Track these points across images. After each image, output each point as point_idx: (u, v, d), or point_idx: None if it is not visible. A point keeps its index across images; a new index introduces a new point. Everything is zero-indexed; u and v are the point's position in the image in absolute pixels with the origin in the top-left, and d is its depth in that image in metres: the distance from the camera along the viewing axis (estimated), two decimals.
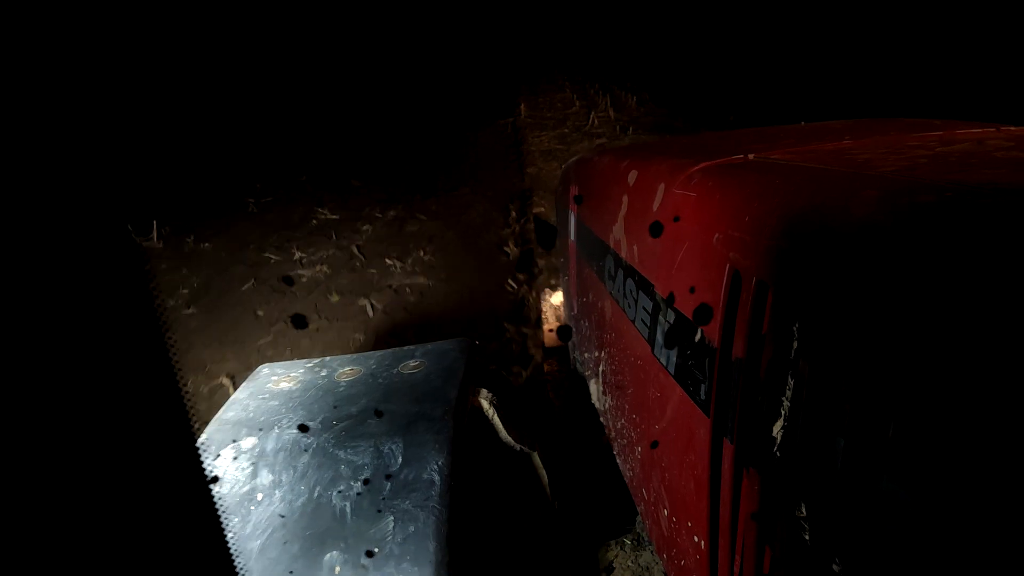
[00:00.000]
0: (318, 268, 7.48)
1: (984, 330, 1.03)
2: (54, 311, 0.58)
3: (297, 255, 7.63)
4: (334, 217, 8.51)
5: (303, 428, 2.57)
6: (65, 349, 0.58)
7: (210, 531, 0.73)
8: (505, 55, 11.53)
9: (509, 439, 3.18)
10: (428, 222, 8.28)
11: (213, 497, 0.70)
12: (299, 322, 6.56)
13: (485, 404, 3.16)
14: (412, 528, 2.25)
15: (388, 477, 2.43)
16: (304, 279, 7.32)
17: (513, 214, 8.17)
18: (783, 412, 1.33)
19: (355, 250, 7.81)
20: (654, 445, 1.98)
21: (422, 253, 7.61)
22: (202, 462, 0.68)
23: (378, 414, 2.57)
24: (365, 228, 8.25)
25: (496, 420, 3.17)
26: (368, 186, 9.19)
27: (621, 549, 3.45)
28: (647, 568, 3.31)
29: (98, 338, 0.62)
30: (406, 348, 3.50)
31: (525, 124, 10.14)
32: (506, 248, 7.53)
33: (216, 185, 9.06)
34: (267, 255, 7.61)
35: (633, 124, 9.69)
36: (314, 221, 8.48)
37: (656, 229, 1.78)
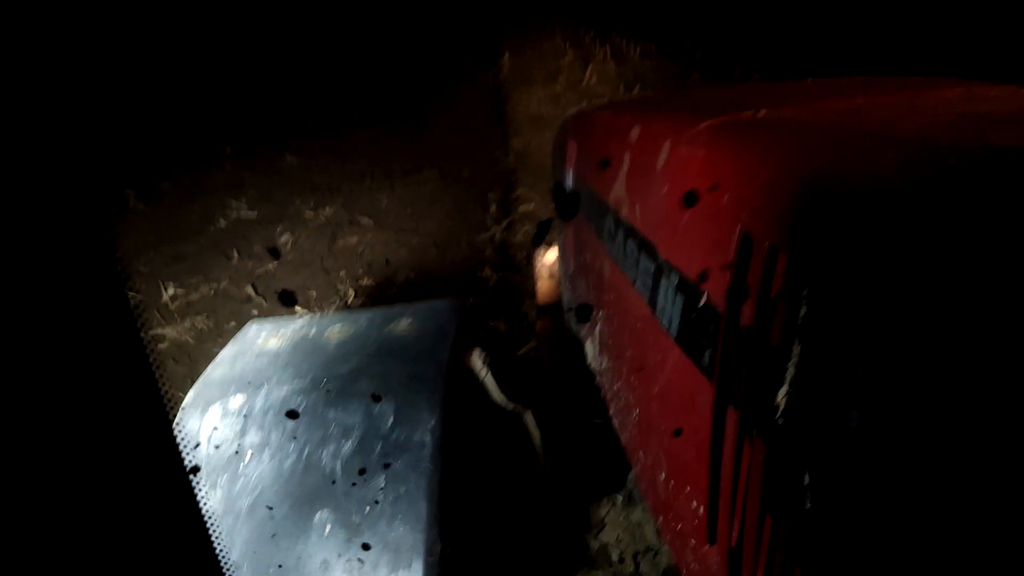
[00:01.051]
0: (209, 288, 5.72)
1: (1006, 301, 0.99)
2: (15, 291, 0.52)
3: (171, 291, 5.83)
4: (250, 215, 6.58)
5: (292, 415, 2.52)
6: (31, 329, 0.53)
7: (191, 520, 0.68)
8: None
9: (502, 399, 3.17)
10: (373, 231, 6.27)
11: (193, 488, 0.65)
12: None
13: (478, 364, 3.13)
14: (403, 488, 2.25)
15: (380, 437, 2.41)
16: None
17: (493, 209, 6.40)
18: (789, 379, 1.30)
19: (252, 292, 5.67)
20: (655, 408, 1.96)
21: (354, 291, 5.59)
22: (180, 451, 0.63)
23: (375, 399, 2.53)
24: (286, 239, 6.26)
25: (489, 380, 3.15)
26: (303, 163, 7.23)
27: (613, 506, 3.50)
28: (638, 524, 3.36)
29: (66, 317, 0.56)
30: (397, 307, 3.45)
31: (510, 79, 8.42)
32: (481, 274, 5.53)
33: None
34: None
35: (639, 81, 8.19)
36: (222, 222, 6.53)
37: (691, 199, 1.68)
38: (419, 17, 9.18)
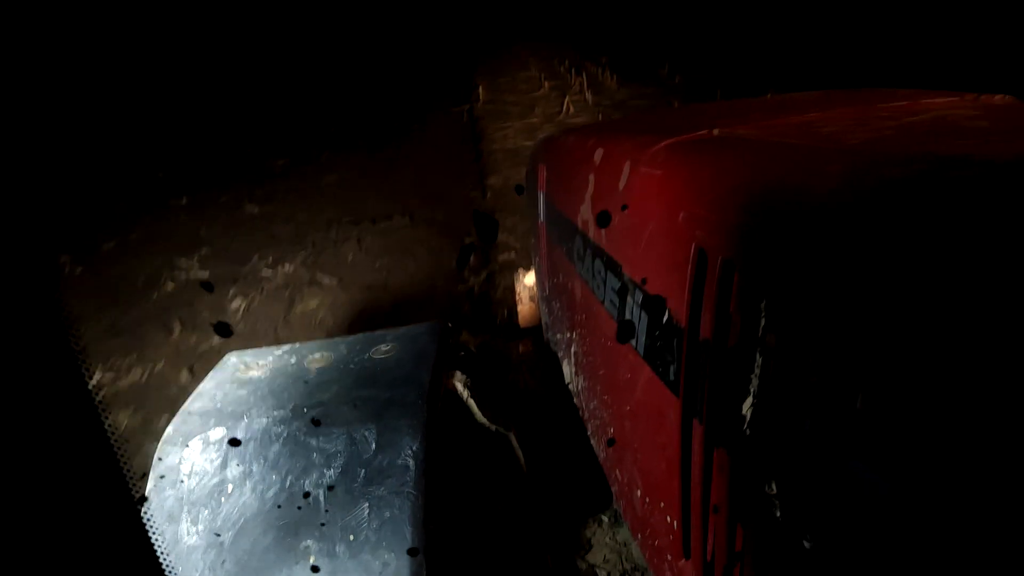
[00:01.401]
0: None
1: (951, 304, 1.02)
2: None
3: (99, 375, 5.20)
4: (201, 275, 5.99)
5: (234, 442, 2.49)
6: None
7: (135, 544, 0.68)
8: (455, 20, 9.04)
9: (485, 421, 3.16)
10: (337, 290, 5.77)
11: (140, 514, 0.65)
12: None
13: (460, 387, 3.13)
14: (387, 514, 2.23)
15: (362, 464, 2.40)
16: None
17: (471, 259, 6.02)
18: (752, 391, 1.32)
19: (188, 375, 5.17)
20: (626, 425, 1.97)
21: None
22: (128, 482, 0.64)
23: (315, 423, 2.52)
24: (238, 304, 5.72)
25: (471, 403, 3.14)
26: (265, 212, 6.56)
27: (599, 526, 3.48)
28: (625, 544, 3.34)
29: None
30: (378, 333, 3.44)
31: (484, 113, 8.01)
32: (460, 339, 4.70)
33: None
34: None
35: (619, 109, 8.00)
36: (170, 285, 5.87)
37: (604, 219, 1.74)
38: (390, 51, 8.72)
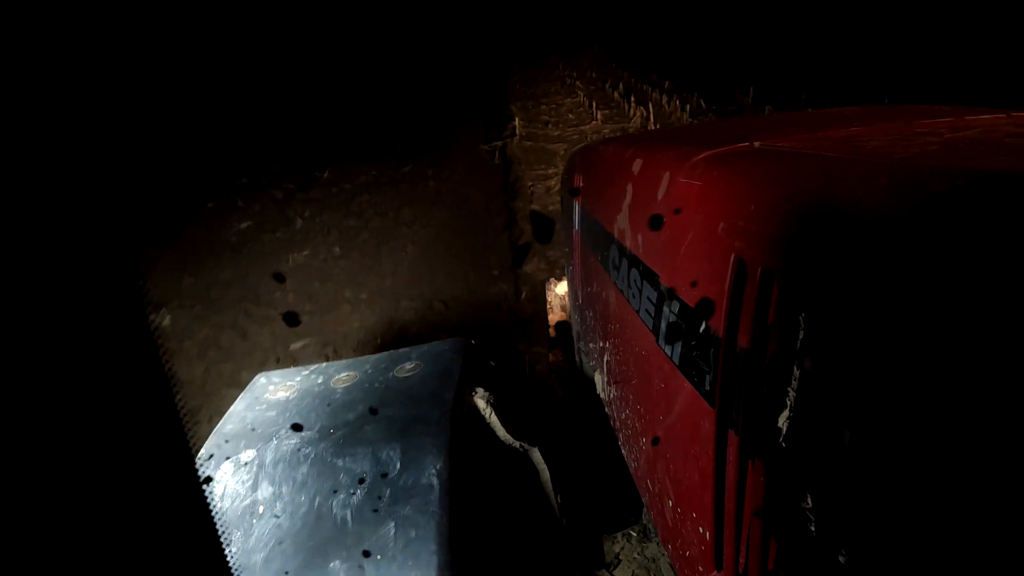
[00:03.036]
0: None
1: (994, 322, 1.01)
2: (43, 318, 0.57)
3: None
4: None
5: (297, 427, 2.57)
6: (57, 357, 0.57)
7: (207, 539, 0.72)
8: (488, 24, 8.27)
9: (508, 437, 3.16)
10: None
11: (208, 504, 0.69)
12: None
13: (482, 404, 3.14)
14: (413, 533, 2.25)
15: (387, 483, 2.43)
16: None
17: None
18: (789, 403, 1.31)
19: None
20: (656, 441, 1.97)
21: None
22: (196, 471, 0.68)
23: (372, 412, 2.57)
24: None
25: (494, 419, 3.15)
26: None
27: (627, 542, 3.45)
28: (653, 560, 3.31)
29: (89, 345, 0.61)
30: (402, 351, 3.47)
31: (519, 155, 6.11)
32: None
33: None
34: None
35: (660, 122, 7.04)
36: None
37: (656, 222, 1.75)
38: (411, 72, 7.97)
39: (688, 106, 6.96)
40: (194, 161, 7.54)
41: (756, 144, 1.83)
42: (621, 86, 7.65)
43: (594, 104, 7.40)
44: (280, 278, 5.81)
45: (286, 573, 2.20)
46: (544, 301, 5.30)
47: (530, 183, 5.96)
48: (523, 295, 5.45)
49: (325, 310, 5.48)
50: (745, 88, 7.10)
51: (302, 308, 5.56)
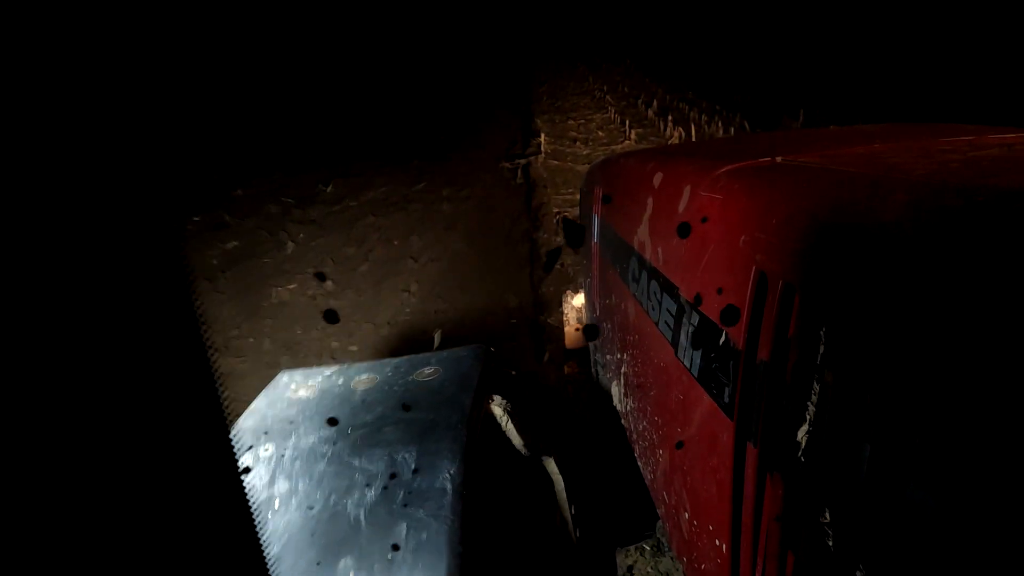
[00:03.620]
0: None
1: (1015, 338, 1.01)
2: (82, 294, 0.60)
3: None
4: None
5: (332, 421, 2.61)
6: (95, 333, 0.60)
7: (241, 522, 0.75)
8: (515, 25, 7.76)
9: (523, 446, 3.17)
10: None
11: (244, 488, 0.72)
12: None
13: (498, 411, 3.16)
14: (424, 536, 2.26)
15: (402, 484, 2.45)
16: None
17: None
18: (808, 417, 1.32)
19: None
20: (679, 445, 1.97)
21: None
22: (234, 451, 0.70)
23: (405, 408, 2.61)
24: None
25: (510, 427, 3.16)
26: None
27: (641, 555, 3.43)
28: (667, 574, 3.29)
29: (130, 323, 0.64)
30: (422, 355, 3.50)
31: (544, 176, 5.41)
32: None
33: None
34: None
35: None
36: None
37: (684, 230, 1.77)
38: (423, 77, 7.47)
39: (732, 128, 6.48)
40: (186, 163, 7.40)
41: (778, 159, 1.84)
42: (655, 103, 7.16)
43: (627, 122, 6.90)
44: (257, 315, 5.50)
45: (299, 567, 2.23)
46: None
47: (556, 209, 5.46)
48: (546, 356, 4.92)
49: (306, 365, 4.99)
50: (794, 111, 6.61)
51: (276, 360, 5.06)
